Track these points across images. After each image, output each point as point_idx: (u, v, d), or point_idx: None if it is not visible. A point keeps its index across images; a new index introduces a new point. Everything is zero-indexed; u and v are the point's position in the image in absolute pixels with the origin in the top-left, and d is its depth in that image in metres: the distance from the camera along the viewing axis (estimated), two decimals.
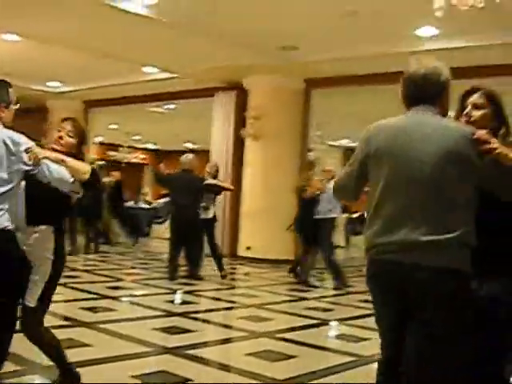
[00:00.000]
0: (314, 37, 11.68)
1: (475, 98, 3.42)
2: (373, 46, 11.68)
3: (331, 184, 9.24)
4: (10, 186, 3.67)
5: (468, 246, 2.99)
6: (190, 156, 11.41)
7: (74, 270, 12.10)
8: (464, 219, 2.99)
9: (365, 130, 3.29)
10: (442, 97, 3.20)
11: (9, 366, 5.00)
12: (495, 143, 2.94)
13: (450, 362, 2.97)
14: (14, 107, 4.08)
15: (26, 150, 3.68)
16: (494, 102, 3.41)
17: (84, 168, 4.11)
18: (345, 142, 27.38)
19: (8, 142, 3.68)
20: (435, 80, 3.17)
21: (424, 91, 3.17)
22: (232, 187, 13.02)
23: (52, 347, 4.51)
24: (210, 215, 11.52)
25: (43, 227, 4.25)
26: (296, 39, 11.92)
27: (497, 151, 2.91)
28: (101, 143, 29.94)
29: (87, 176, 4.05)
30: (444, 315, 2.95)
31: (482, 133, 2.99)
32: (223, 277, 11.44)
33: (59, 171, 3.91)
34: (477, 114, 3.36)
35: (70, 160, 4.01)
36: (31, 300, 4.20)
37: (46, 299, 4.30)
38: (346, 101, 16.55)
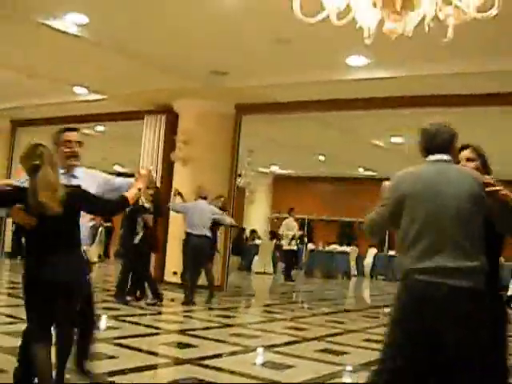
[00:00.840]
0: (245, 62, 11.73)
1: (467, 152, 4.27)
2: (304, 73, 11.78)
3: None
4: None
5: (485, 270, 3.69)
6: None
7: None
8: (482, 247, 3.68)
9: (392, 177, 3.92)
10: (453, 146, 3.92)
11: None
12: (500, 186, 3.69)
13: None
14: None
15: None
16: (481, 155, 4.29)
17: None
18: (274, 169, 27.55)
19: None
20: (447, 132, 3.89)
21: (439, 142, 3.87)
22: None
23: None
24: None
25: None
26: (226, 64, 11.94)
27: (502, 193, 3.66)
28: None
29: None
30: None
31: (489, 178, 3.76)
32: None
33: None
34: (470, 165, 4.18)
35: None
36: None
37: None
38: (277, 127, 16.66)
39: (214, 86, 13.08)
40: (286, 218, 19.38)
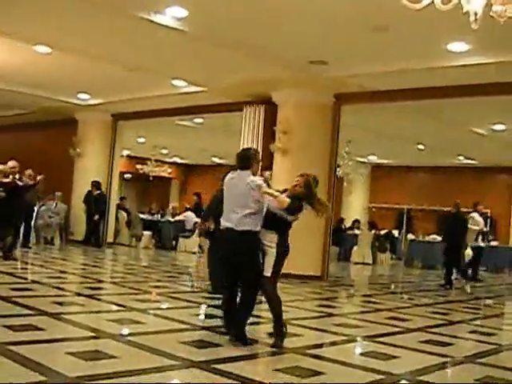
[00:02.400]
0: (344, 51, 11.64)
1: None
2: (402, 61, 11.61)
3: None
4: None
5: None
6: None
7: (100, 281, 12.11)
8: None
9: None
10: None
11: (32, 377, 4.98)
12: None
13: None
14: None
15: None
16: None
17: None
18: (373, 159, 27.29)
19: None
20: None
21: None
22: None
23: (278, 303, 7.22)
24: None
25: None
26: (325, 54, 11.86)
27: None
28: (128, 156, 30.10)
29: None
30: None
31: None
32: None
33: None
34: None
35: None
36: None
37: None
38: (375, 116, 16.48)
39: (313, 76, 13.04)
40: (470, 212, 17.66)
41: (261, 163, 7.47)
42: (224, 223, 7.01)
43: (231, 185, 7.07)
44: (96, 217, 19.28)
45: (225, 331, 7.23)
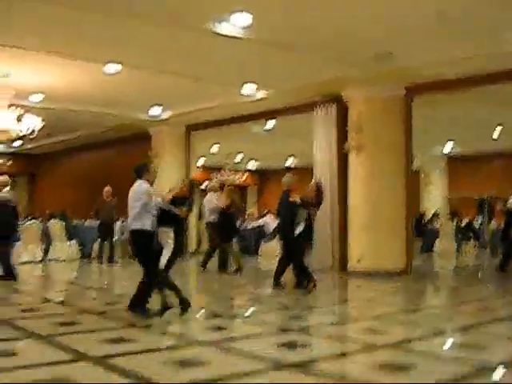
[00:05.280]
0: (409, 42, 11.46)
1: None
2: (468, 47, 11.41)
3: None
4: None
5: None
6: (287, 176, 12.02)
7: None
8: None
9: None
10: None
11: None
12: None
13: None
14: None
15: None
16: None
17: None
18: (449, 149, 26.83)
19: None
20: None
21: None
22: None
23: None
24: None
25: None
26: (391, 46, 11.72)
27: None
28: (203, 166, 30.36)
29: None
30: None
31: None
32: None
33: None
34: None
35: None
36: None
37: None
38: (448, 105, 16.24)
39: (381, 70, 12.95)
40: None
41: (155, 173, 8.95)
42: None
43: (130, 191, 8.61)
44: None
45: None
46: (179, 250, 8.99)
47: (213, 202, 14.88)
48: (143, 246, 8.47)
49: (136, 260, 8.72)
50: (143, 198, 8.37)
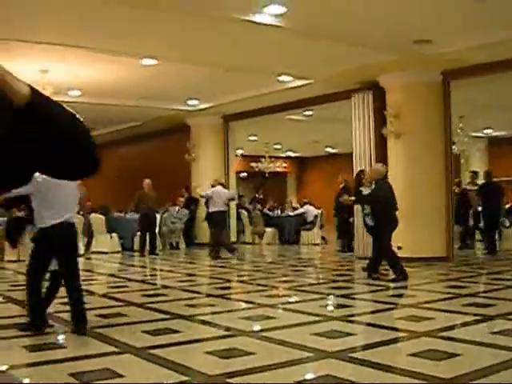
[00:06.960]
0: (446, 26, 11.38)
1: None
2: (506, 30, 11.27)
3: None
4: None
5: None
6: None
7: (229, 281, 12.34)
8: None
9: None
10: None
11: (174, 376, 5.17)
12: None
13: None
14: None
15: None
16: None
17: None
18: (489, 132, 26.54)
19: None
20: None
21: None
22: None
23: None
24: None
25: None
26: (428, 31, 11.64)
27: None
28: (242, 155, 30.45)
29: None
30: None
31: None
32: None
33: None
34: None
35: None
36: None
37: None
38: (486, 89, 16.08)
39: (418, 56, 12.86)
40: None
41: None
42: None
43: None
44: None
45: None
46: None
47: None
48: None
49: None
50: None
